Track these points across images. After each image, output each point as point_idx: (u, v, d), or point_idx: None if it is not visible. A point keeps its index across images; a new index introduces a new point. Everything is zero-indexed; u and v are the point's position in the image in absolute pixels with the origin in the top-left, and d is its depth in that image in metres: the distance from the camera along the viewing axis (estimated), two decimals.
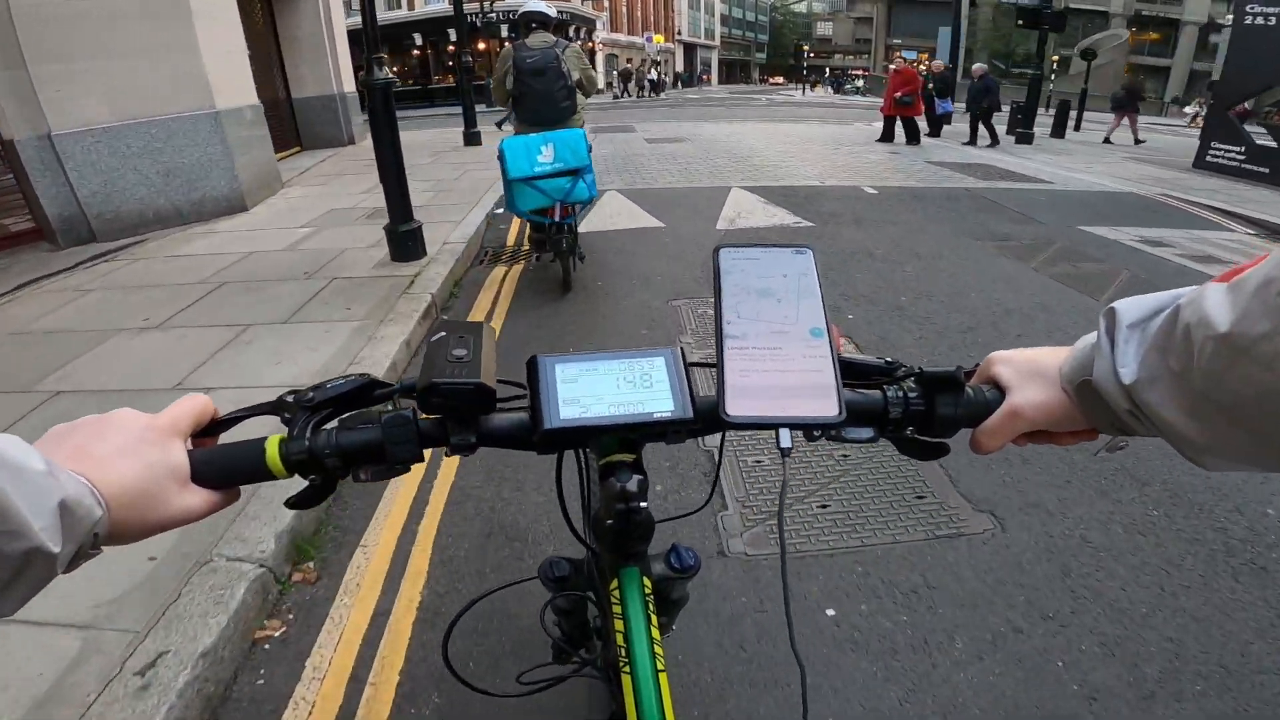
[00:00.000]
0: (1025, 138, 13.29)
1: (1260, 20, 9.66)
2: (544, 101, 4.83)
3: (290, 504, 0.60)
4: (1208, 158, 10.48)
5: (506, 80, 4.82)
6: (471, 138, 11.65)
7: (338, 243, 5.45)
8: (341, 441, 0.57)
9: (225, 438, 0.59)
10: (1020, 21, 14.18)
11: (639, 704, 0.64)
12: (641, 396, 0.59)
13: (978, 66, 13.78)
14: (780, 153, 10.23)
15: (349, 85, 12.25)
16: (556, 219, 4.31)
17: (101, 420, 0.52)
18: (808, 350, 0.54)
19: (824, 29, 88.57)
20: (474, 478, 2.52)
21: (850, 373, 0.61)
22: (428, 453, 0.59)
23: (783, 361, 0.53)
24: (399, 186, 4.78)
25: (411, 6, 33.30)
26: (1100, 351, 0.50)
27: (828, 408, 0.51)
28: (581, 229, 5.53)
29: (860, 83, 53.65)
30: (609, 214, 6.30)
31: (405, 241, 4.85)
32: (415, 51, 33.66)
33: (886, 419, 0.60)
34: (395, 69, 35.16)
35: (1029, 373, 0.58)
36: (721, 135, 12.81)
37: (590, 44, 38.33)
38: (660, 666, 0.67)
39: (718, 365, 0.53)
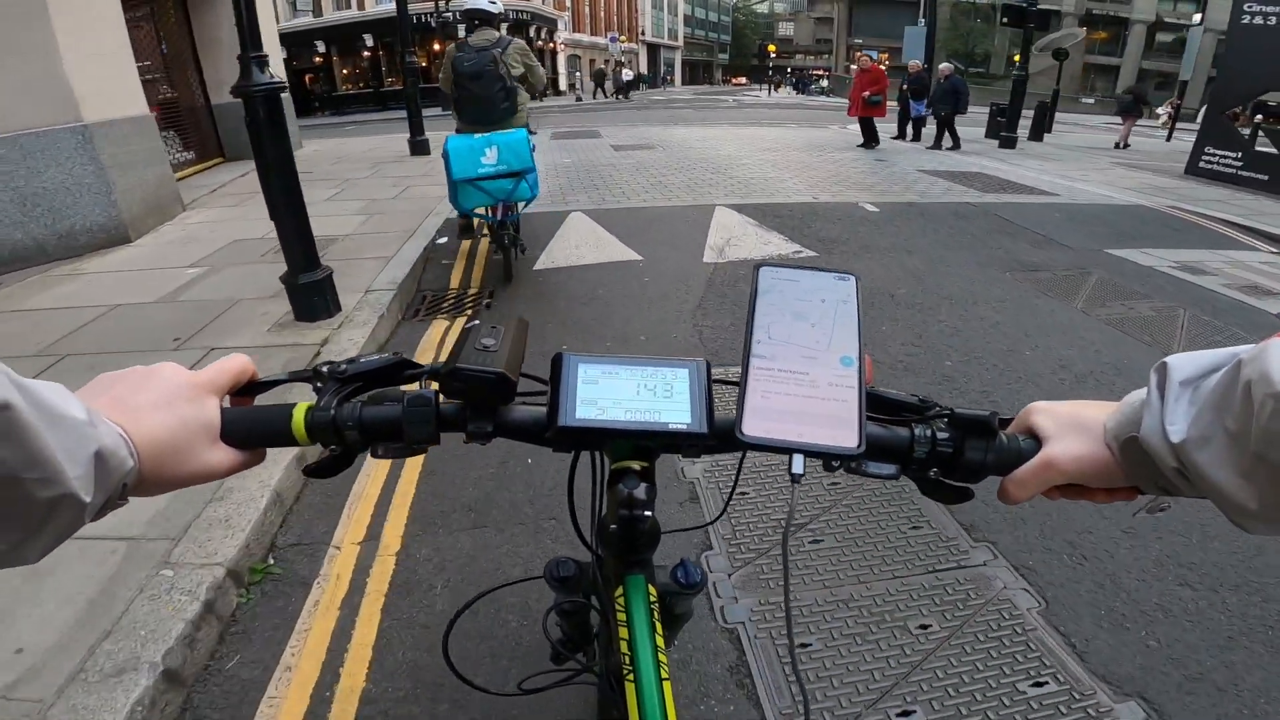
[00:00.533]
0: (1008, 141, 12.64)
1: (1259, 20, 9.08)
2: (482, 104, 4.85)
3: (308, 471, 0.62)
4: (1201, 163, 9.93)
5: (449, 88, 4.93)
6: (418, 146, 10.53)
7: (231, 290, 4.38)
8: (364, 415, 0.59)
9: (262, 400, 0.62)
10: (1005, 20, 13.54)
11: (642, 711, 0.63)
12: (660, 406, 0.58)
13: (944, 66, 13.08)
14: (761, 161, 9.32)
15: None
16: (499, 217, 4.41)
17: (146, 372, 0.55)
18: (835, 378, 0.53)
19: (785, 29, 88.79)
20: None
21: (880, 407, 0.60)
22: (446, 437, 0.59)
23: (808, 387, 0.53)
24: (296, 226, 3.69)
25: (362, 6, 31.79)
26: (1150, 407, 0.48)
27: (847, 438, 0.51)
28: (542, 264, 4.76)
29: (825, 83, 53.30)
30: (574, 243, 5.30)
31: (309, 297, 3.79)
32: (366, 53, 32.27)
33: (911, 457, 0.58)
34: (346, 70, 33.84)
35: (1070, 424, 0.56)
36: (694, 141, 11.87)
37: (552, 44, 37.29)
38: (664, 675, 0.66)
39: (740, 383, 0.53)
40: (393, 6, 30.22)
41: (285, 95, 3.99)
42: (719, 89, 62.01)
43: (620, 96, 34.31)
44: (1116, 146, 14.60)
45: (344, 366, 0.62)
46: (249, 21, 3.29)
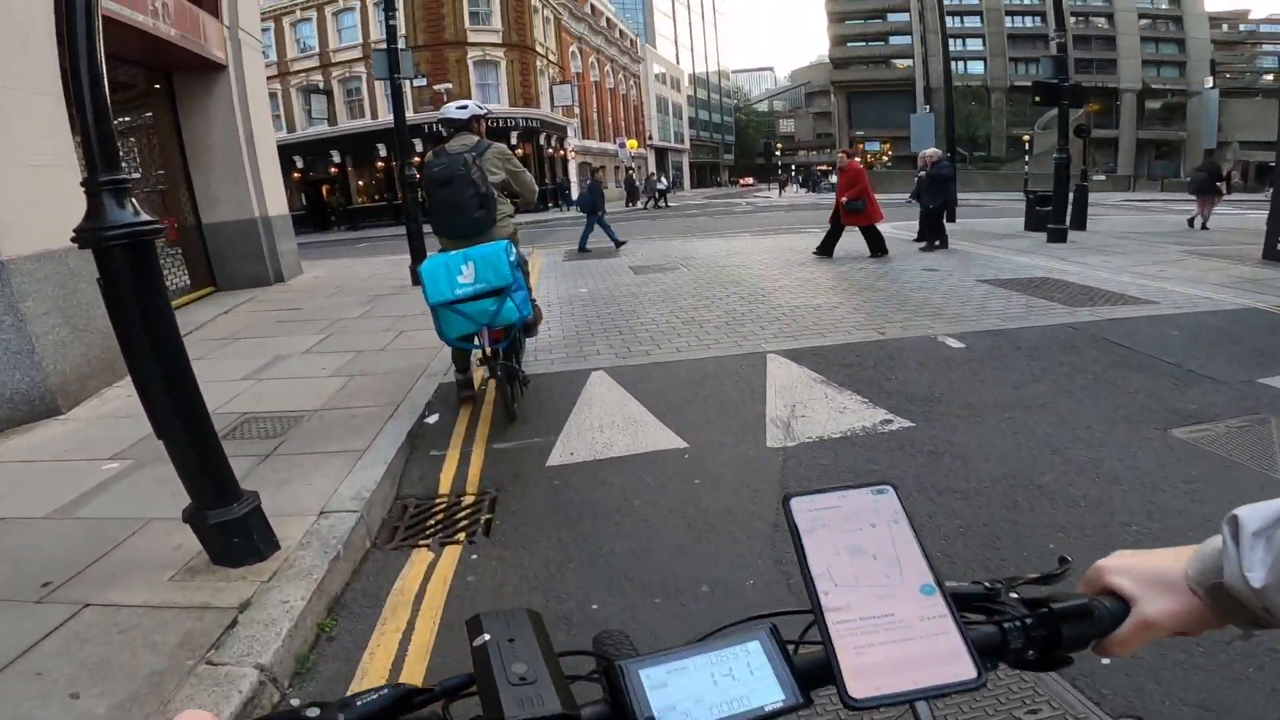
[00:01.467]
0: (1058, 235, 11.64)
1: None
2: (453, 212, 4.38)
3: None
4: (1279, 245, 8.85)
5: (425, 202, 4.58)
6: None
7: (146, 499, 3.30)
8: None
9: None
10: (1037, 98, 12.85)
11: None
12: (745, 690, 0.50)
13: (930, 151, 11.91)
14: (801, 282, 8.29)
15: (275, 208, 10.38)
16: (486, 346, 4.01)
17: None
18: (923, 611, 0.50)
19: (786, 126, 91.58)
20: None
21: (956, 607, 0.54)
22: None
23: (900, 629, 0.49)
24: (194, 446, 2.58)
25: (375, 114, 32.32)
26: (1227, 557, 0.53)
27: (964, 670, 0.48)
28: (559, 458, 3.74)
29: (833, 178, 53.78)
30: (598, 422, 4.16)
31: (225, 539, 2.65)
32: (380, 163, 32.64)
33: (1007, 650, 0.56)
34: (361, 182, 34.09)
35: (1152, 581, 0.58)
36: (719, 256, 10.98)
37: (563, 152, 37.95)
38: None
39: (825, 644, 0.49)
40: (411, 114, 31.06)
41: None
42: (727, 190, 63.00)
43: (655, 204, 33.99)
44: (1191, 225, 13.70)
45: (339, 715, 0.50)
46: (94, 119, 2.21)
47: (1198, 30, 62.24)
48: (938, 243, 11.12)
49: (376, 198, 32.28)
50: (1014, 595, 0.59)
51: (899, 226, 15.73)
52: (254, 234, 9.91)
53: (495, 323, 3.94)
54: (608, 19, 50.19)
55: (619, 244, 13.41)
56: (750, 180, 73.91)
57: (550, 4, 37.30)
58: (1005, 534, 2.79)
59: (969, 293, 7.26)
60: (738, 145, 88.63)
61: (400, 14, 30.71)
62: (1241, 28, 68.43)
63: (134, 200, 2.31)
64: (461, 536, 3.09)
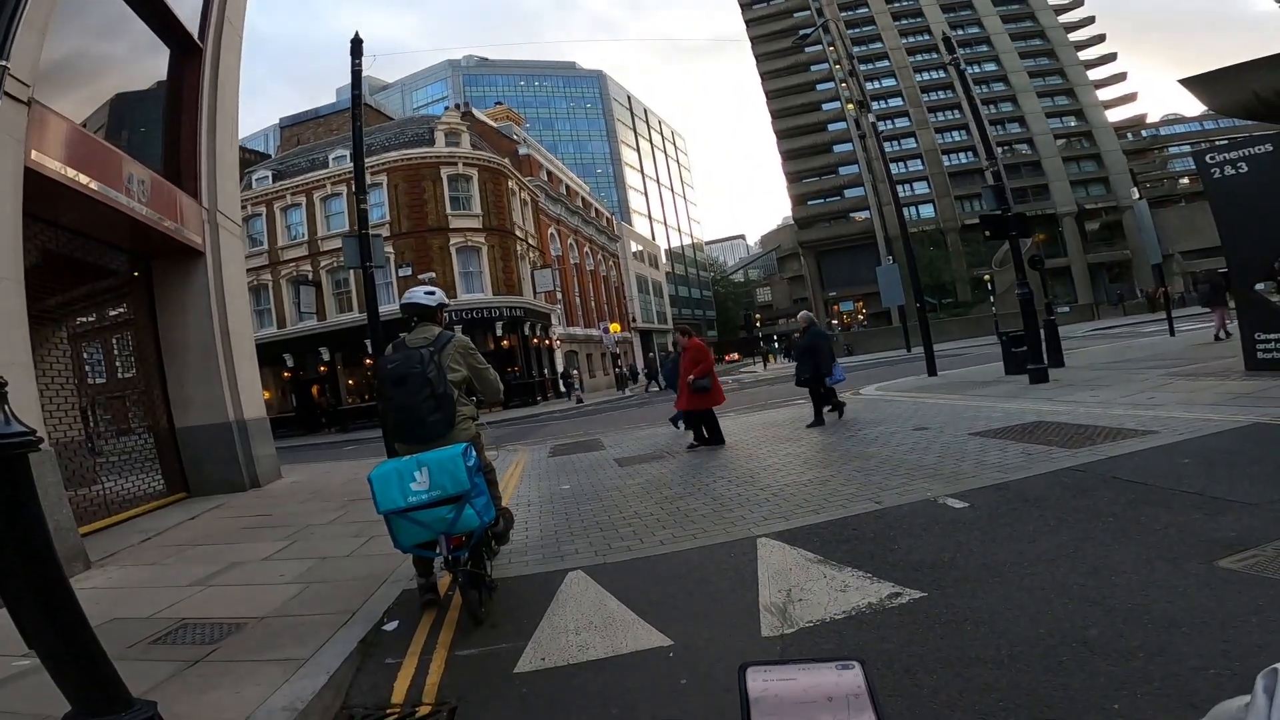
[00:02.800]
0: (1039, 375, 11.60)
1: (1230, 170, 8.40)
2: (407, 415, 4.03)
3: None
4: (1260, 354, 8.65)
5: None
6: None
7: (46, 702, 2.79)
8: None
9: None
10: (987, 233, 13.30)
11: None
12: None
13: (803, 315, 11.05)
14: (790, 458, 7.98)
15: (252, 410, 10.02)
16: (445, 554, 3.73)
17: None
18: None
19: (763, 294, 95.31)
20: None
21: None
22: None
23: None
24: (71, 653, 2.23)
25: (363, 309, 32.78)
26: (1255, 710, 0.51)
27: None
28: (529, 664, 3.30)
29: None
30: (573, 625, 3.68)
31: None
32: (368, 360, 32.61)
33: None
34: (351, 380, 33.43)
35: None
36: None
37: (549, 341, 38.29)
38: None
39: None
40: (397, 306, 31.08)
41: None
42: (716, 368, 63.69)
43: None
44: (1217, 339, 13.81)
45: None
46: None
47: (1108, 143, 65.56)
48: (829, 409, 10.52)
49: (366, 397, 30.89)
50: None
51: (884, 386, 15.84)
52: (228, 438, 9.53)
53: (453, 530, 3.69)
54: (583, 199, 52.57)
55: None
56: (735, 356, 75.25)
57: (526, 186, 38.98)
58: (1055, 700, 2.33)
59: (963, 448, 6.99)
60: (719, 319, 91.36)
61: (385, 203, 32.01)
62: (1143, 133, 72.67)
63: (8, 407, 2.08)
64: None
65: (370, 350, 9.54)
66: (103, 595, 4.85)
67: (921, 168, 68.93)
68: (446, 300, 4.65)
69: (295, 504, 8.50)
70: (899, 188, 57.79)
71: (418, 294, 4.47)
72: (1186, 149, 63.57)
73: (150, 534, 7.16)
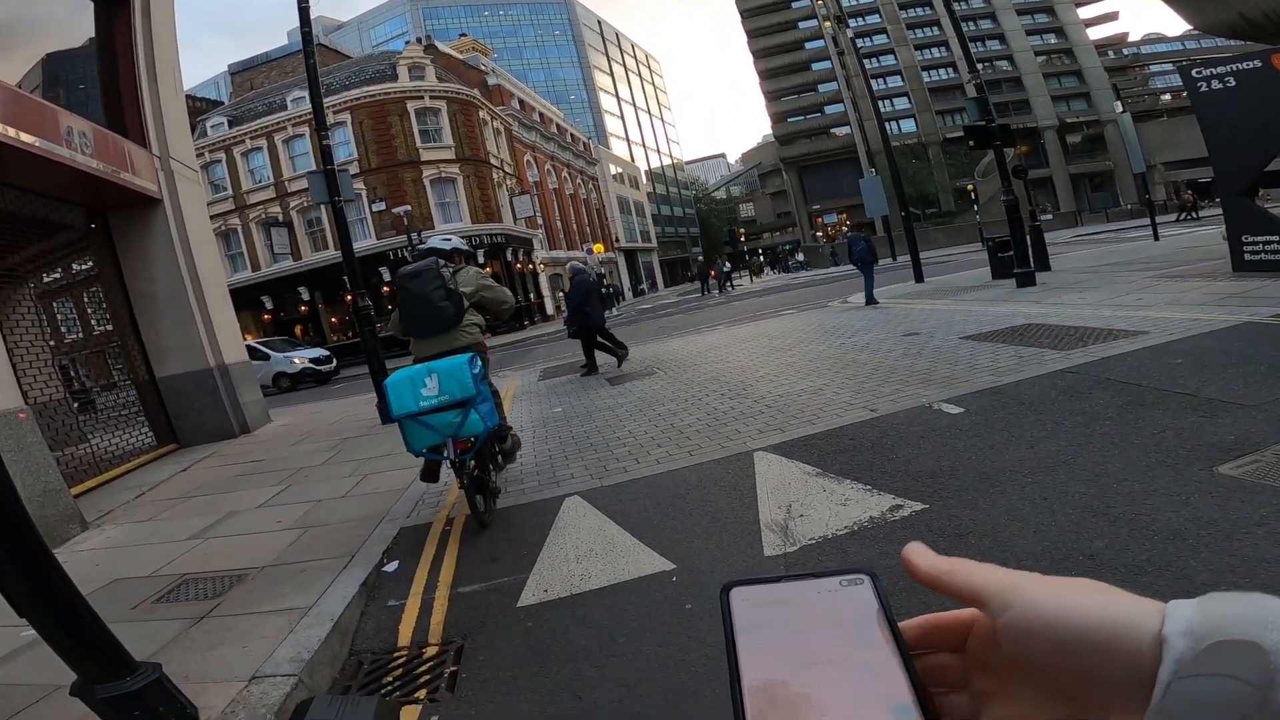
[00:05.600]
0: (1026, 278, 11.55)
1: (1217, 84, 8.34)
2: (420, 304, 4.39)
3: None
4: (1247, 256, 8.69)
5: (396, 309, 4.57)
6: (389, 412, 9.15)
7: (56, 670, 2.80)
8: None
9: None
10: (971, 143, 13.07)
11: None
12: None
13: (570, 267, 11.26)
14: (782, 367, 7.95)
15: (232, 355, 9.86)
16: (452, 457, 3.97)
17: None
18: None
19: (746, 210, 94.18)
20: None
21: None
22: None
23: None
24: (62, 620, 2.22)
25: (337, 246, 32.17)
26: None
27: None
28: (531, 597, 3.27)
29: (800, 256, 54.68)
30: (573, 553, 3.66)
31: (123, 715, 2.24)
32: (349, 298, 32.10)
33: None
34: (334, 319, 33.24)
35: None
36: (696, 355, 10.66)
37: (531, 265, 38.06)
38: None
39: None
40: (373, 241, 31.37)
41: None
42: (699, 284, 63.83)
43: (722, 289, 34.36)
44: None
45: None
46: None
47: (1089, 60, 65.02)
48: (584, 368, 10.66)
49: (350, 334, 30.60)
50: None
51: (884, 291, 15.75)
52: (210, 385, 9.39)
53: (460, 434, 3.96)
54: (558, 125, 51.70)
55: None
56: (713, 273, 74.64)
57: (499, 116, 38.16)
58: None
59: (954, 352, 6.96)
60: (704, 236, 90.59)
61: (351, 140, 31.25)
62: (1125, 51, 72.00)
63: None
64: (422, 694, 2.65)
65: (349, 286, 9.20)
66: (102, 556, 4.82)
67: (901, 84, 68.01)
68: (465, 248, 5.01)
69: (287, 447, 8.44)
70: (883, 103, 57.01)
71: (435, 240, 4.96)
72: (1168, 68, 63.43)
73: (143, 489, 7.11)
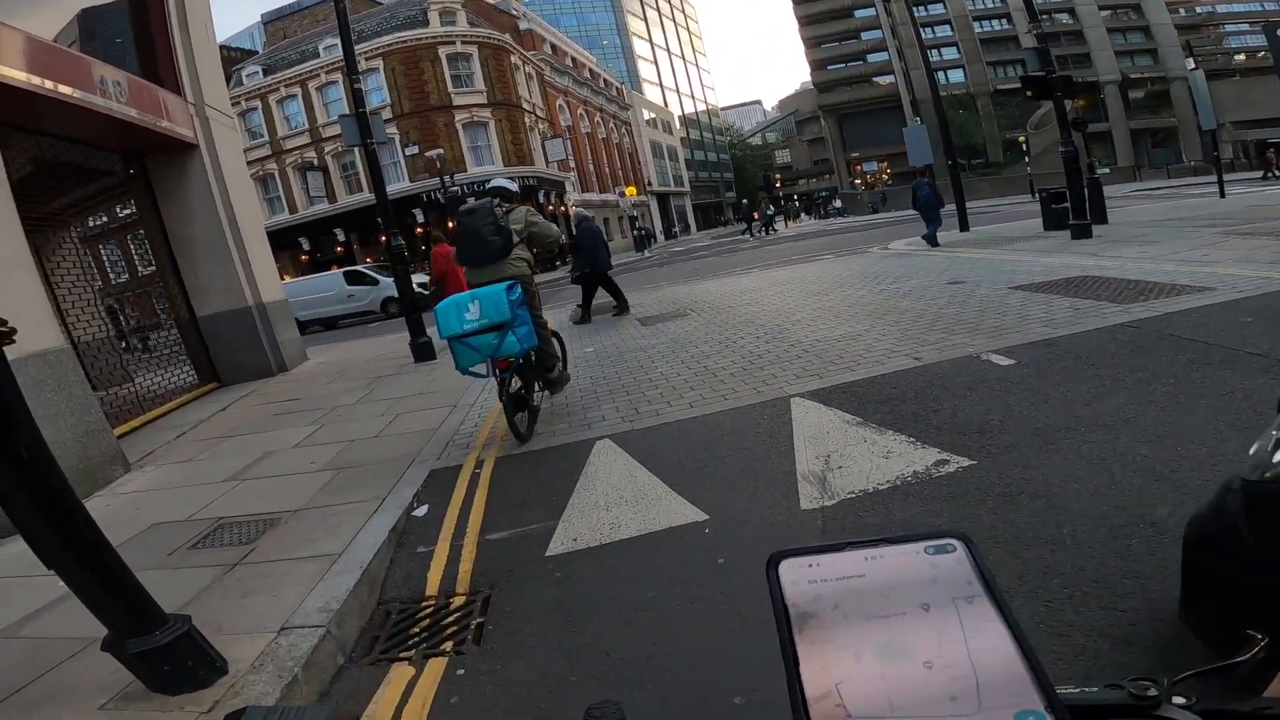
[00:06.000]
0: (1082, 230, 11.02)
1: None
2: (473, 237, 4.88)
3: None
4: None
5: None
6: (422, 350, 9.24)
7: (93, 622, 2.68)
8: None
9: None
10: (1029, 93, 12.42)
11: None
12: None
13: (576, 213, 11.10)
14: (820, 312, 7.71)
15: (270, 293, 10.00)
16: (491, 375, 4.45)
17: None
18: None
19: (782, 156, 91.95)
20: None
21: None
22: None
23: None
24: (98, 575, 2.25)
25: (372, 189, 32.50)
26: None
27: None
28: (559, 545, 3.19)
29: (838, 203, 53.27)
30: (603, 500, 3.57)
31: (157, 666, 2.29)
32: (384, 239, 32.45)
33: None
34: (369, 259, 33.61)
35: None
36: (730, 297, 10.44)
37: (563, 208, 37.78)
38: None
39: None
40: (407, 184, 31.56)
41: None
42: (732, 229, 62.87)
43: (768, 232, 34.37)
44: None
45: None
46: None
47: (1158, 16, 62.06)
48: (615, 311, 10.51)
49: (385, 275, 31.90)
50: (1182, 701, 0.38)
51: (913, 241, 15.26)
52: (249, 323, 9.54)
53: (498, 354, 4.37)
54: (590, 69, 50.82)
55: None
56: (755, 216, 73.40)
57: (531, 61, 37.71)
58: (1129, 592, 2.12)
59: (1004, 302, 6.66)
60: (738, 182, 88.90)
61: (383, 87, 31.28)
62: (1198, 9, 68.08)
63: None
64: (448, 646, 2.59)
65: (383, 227, 9.29)
66: (141, 500, 4.88)
67: (950, 33, 65.32)
68: (515, 189, 5.42)
69: (322, 385, 8.52)
70: (927, 53, 54.23)
71: (501, 180, 5.41)
72: (1244, 27, 60.78)
73: (184, 428, 7.22)
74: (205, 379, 9.45)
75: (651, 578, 2.79)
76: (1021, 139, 39.92)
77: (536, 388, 5.04)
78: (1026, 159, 39.38)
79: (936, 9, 65.07)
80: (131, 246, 10.49)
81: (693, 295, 11.40)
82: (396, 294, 21.91)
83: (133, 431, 7.22)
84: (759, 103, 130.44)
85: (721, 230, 63.16)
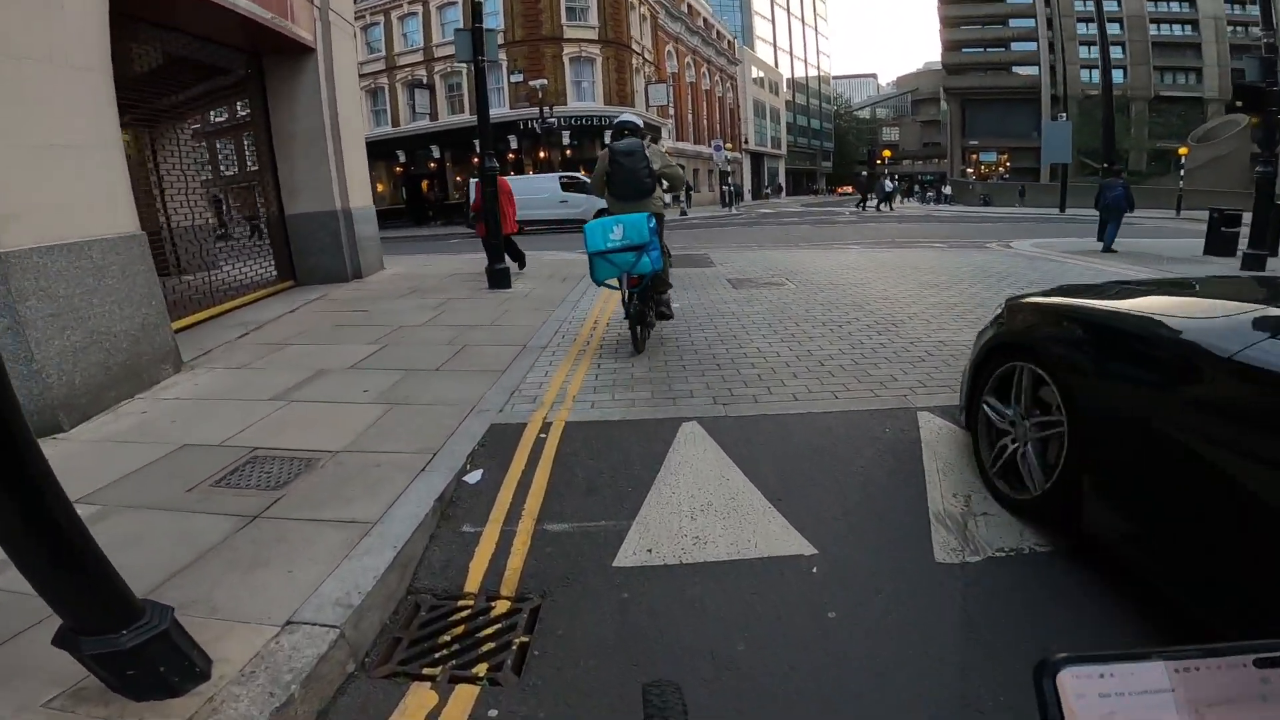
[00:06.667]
0: (1255, 261, 9.69)
1: None
2: (630, 175, 5.42)
3: None
4: None
5: (604, 168, 5.54)
6: (497, 277, 8.86)
7: None
8: None
9: None
10: (1239, 103, 10.89)
11: None
12: None
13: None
14: (939, 307, 6.82)
15: (359, 200, 9.85)
16: (625, 288, 5.18)
17: None
18: None
19: (890, 134, 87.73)
20: None
21: None
22: None
23: None
24: (53, 559, 1.66)
25: (472, 111, 32.47)
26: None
27: None
28: (630, 556, 2.65)
29: (948, 189, 50.21)
30: (689, 504, 2.97)
31: (120, 669, 1.77)
32: (476, 160, 32.38)
33: None
34: (459, 177, 33.65)
35: None
36: (830, 272, 9.60)
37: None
38: None
39: None
40: (507, 110, 31.23)
41: None
42: (825, 199, 60.40)
43: (881, 208, 33.29)
44: None
45: None
46: None
47: None
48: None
49: (458, 196, 31.88)
50: None
51: (1041, 244, 13.87)
52: (333, 227, 9.40)
53: (634, 271, 5.01)
54: (705, 19, 48.99)
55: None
56: (850, 188, 70.48)
57: (647, 1, 36.51)
58: None
59: None
60: (837, 153, 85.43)
61: (499, 11, 30.91)
62: None
63: None
64: (482, 670, 2.08)
65: (479, 147, 8.95)
66: (180, 410, 4.49)
67: (1118, 32, 60.04)
68: (642, 124, 6.01)
69: (393, 299, 8.22)
70: (1084, 49, 50.16)
71: (629, 115, 5.99)
72: None
73: (249, 328, 6.99)
74: (284, 276, 9.35)
75: (745, 624, 2.22)
76: (1182, 150, 36.06)
77: (651, 306, 5.61)
78: (1181, 172, 35.83)
79: (1110, 6, 60.38)
80: (245, 144, 10.55)
81: (786, 264, 10.58)
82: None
83: (200, 324, 7.04)
84: (874, 76, 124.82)
85: (812, 199, 60.80)
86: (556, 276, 9.81)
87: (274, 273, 9.16)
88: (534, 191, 22.03)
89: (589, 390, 4.56)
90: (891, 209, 33.90)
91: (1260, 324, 1.94)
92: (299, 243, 9.30)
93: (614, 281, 5.13)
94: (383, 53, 34.78)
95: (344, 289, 9.05)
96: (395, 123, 34.47)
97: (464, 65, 31.45)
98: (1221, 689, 0.29)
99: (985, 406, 2.95)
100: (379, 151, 35.10)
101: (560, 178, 23.64)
